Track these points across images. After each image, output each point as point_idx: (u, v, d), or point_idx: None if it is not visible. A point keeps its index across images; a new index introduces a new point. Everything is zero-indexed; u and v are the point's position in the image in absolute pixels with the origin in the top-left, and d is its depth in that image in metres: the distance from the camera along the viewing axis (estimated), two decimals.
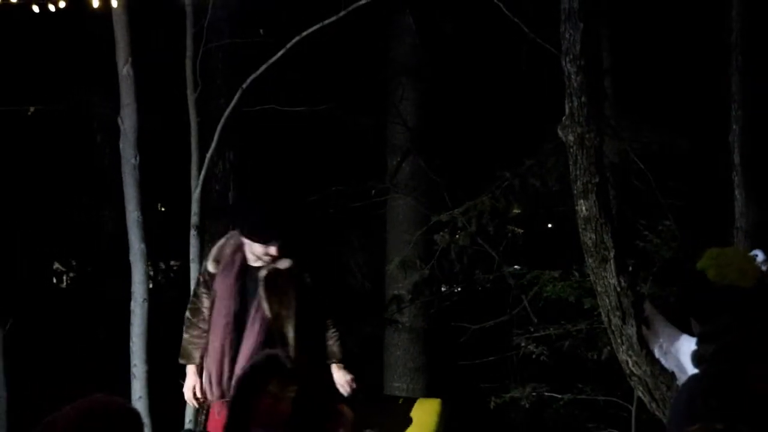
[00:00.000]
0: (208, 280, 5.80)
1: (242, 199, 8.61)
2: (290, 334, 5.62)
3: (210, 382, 5.73)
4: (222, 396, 5.68)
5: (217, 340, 5.69)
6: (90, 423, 2.81)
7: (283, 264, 5.65)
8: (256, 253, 5.61)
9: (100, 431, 2.79)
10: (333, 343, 5.79)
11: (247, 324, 5.66)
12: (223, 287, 5.71)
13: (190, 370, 5.87)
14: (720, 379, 3.26)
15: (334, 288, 10.49)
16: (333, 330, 5.80)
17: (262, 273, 5.65)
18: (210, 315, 5.75)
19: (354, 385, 5.76)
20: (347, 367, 5.78)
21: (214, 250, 5.85)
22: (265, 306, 5.62)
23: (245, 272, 5.70)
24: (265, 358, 3.15)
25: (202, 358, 5.82)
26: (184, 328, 5.90)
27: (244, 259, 5.71)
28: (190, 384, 5.84)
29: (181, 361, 5.91)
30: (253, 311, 5.66)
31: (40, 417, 2.90)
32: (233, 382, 5.51)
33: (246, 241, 5.63)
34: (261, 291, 5.63)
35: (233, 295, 5.67)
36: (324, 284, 5.90)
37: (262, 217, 5.69)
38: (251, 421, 2.98)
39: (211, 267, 5.79)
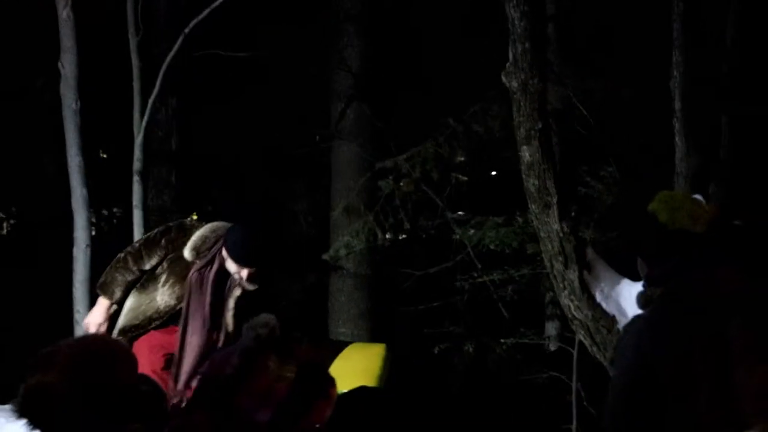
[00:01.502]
0: (176, 260, 5.72)
1: (238, 213, 8.58)
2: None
3: (182, 376, 5.65)
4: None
5: (195, 335, 5.62)
6: (91, 359, 2.81)
7: (252, 286, 5.62)
8: (229, 267, 5.59)
9: (93, 366, 2.79)
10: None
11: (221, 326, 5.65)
12: (200, 282, 5.63)
13: (103, 303, 5.75)
14: (665, 321, 3.31)
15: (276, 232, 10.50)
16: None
17: (237, 292, 5.61)
18: (187, 307, 5.68)
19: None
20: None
21: (195, 238, 5.67)
22: (230, 323, 5.61)
23: (223, 276, 5.65)
24: (267, 332, 3.14)
25: (121, 299, 5.76)
26: (117, 266, 5.73)
27: (224, 263, 5.66)
28: (99, 319, 5.72)
29: (99, 292, 5.78)
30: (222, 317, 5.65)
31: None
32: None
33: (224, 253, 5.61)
34: (230, 305, 5.62)
35: (210, 292, 5.61)
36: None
37: (245, 241, 5.63)
38: (244, 390, 2.97)
39: (188, 255, 5.66)
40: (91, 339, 2.99)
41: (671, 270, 3.41)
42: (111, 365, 2.86)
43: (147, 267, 5.77)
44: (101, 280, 5.79)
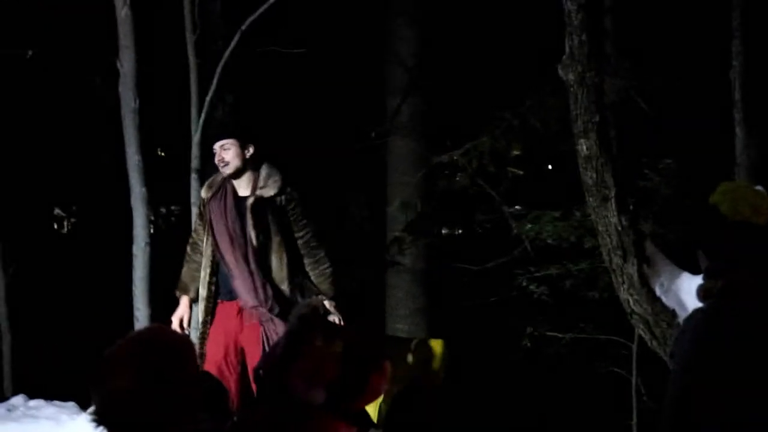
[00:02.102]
0: (202, 210, 5.88)
1: None
2: (273, 265, 5.66)
3: (249, 293, 5.74)
4: (257, 302, 5.71)
5: (227, 254, 5.72)
6: (157, 354, 2.82)
7: (268, 192, 5.69)
8: (216, 160, 5.69)
9: (162, 360, 2.80)
10: (324, 281, 5.78)
11: (246, 253, 5.70)
12: (217, 210, 5.77)
13: (184, 301, 5.91)
14: (726, 314, 3.27)
15: (331, 227, 10.52)
16: (326, 266, 5.80)
17: (249, 201, 5.70)
18: (215, 239, 5.78)
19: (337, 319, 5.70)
20: (338, 307, 5.76)
21: (208, 180, 5.95)
22: (252, 234, 5.67)
23: (237, 201, 5.75)
24: (311, 311, 3.14)
25: (196, 291, 5.88)
26: (184, 261, 5.97)
27: (235, 188, 5.76)
28: (180, 313, 5.88)
29: (177, 293, 5.96)
30: (246, 238, 5.71)
31: (45, 360, 2.92)
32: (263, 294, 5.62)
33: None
34: (248, 218, 5.67)
35: (228, 214, 5.72)
36: (313, 218, 5.89)
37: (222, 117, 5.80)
38: (293, 380, 2.97)
39: (204, 192, 5.90)
40: (150, 334, 2.97)
41: (732, 262, 3.36)
42: (176, 357, 2.86)
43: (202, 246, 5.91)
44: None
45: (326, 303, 5.69)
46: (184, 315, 5.91)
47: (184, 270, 5.98)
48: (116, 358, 2.80)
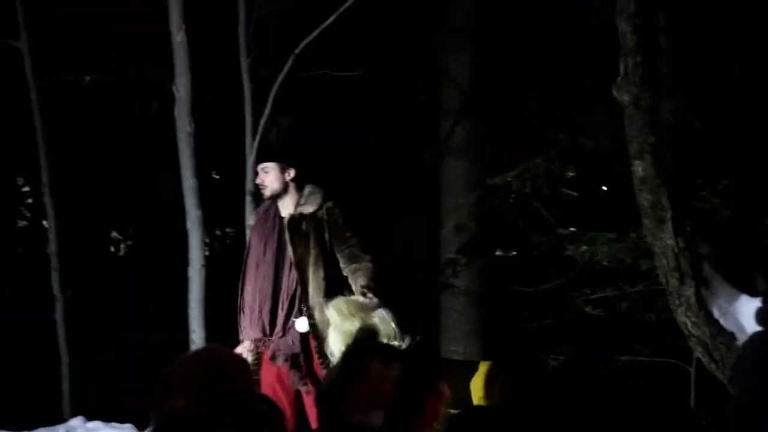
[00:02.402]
0: (250, 235, 5.98)
1: None
2: (310, 280, 5.68)
3: (245, 323, 5.83)
4: (261, 333, 5.76)
5: (249, 283, 5.80)
6: (211, 372, 2.83)
7: (308, 208, 5.73)
8: (257, 182, 5.76)
9: (219, 380, 2.82)
10: (362, 275, 5.71)
11: (283, 269, 5.75)
12: (256, 235, 5.86)
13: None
14: None
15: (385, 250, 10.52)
16: (366, 263, 5.75)
17: (287, 217, 5.74)
18: (244, 263, 5.86)
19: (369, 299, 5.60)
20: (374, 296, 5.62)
21: (258, 208, 6.06)
22: (290, 249, 5.71)
23: (279, 221, 5.81)
24: (366, 336, 3.15)
25: None
26: None
27: (279, 210, 5.82)
28: (244, 346, 5.94)
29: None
30: (285, 256, 5.76)
31: (102, 382, 2.94)
32: (267, 323, 5.66)
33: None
34: (286, 235, 5.72)
35: (264, 240, 5.78)
36: (357, 233, 5.90)
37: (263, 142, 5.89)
38: (350, 404, 2.98)
39: (251, 220, 5.98)
40: (207, 354, 2.99)
41: None
42: (232, 377, 2.88)
43: None
44: None
45: (361, 297, 5.65)
46: (248, 348, 5.94)
47: None
48: (174, 378, 2.82)
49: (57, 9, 9.48)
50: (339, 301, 5.45)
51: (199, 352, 2.97)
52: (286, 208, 5.80)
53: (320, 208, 5.76)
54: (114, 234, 15.07)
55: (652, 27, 5.08)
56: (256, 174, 6.79)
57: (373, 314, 5.47)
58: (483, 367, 6.26)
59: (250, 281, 5.85)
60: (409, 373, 2.97)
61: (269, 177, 5.75)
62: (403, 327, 5.63)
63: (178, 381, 2.81)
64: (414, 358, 3.09)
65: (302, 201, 5.78)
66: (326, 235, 5.74)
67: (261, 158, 5.90)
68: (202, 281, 7.24)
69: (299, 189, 5.79)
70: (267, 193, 5.78)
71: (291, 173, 5.77)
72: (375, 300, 5.53)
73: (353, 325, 5.30)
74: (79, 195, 11.15)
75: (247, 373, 2.96)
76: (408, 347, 3.67)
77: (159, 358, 3.27)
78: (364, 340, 3.10)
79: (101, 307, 10.84)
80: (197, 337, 7.18)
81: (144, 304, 11.29)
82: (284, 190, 5.77)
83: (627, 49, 4.81)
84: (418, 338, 5.39)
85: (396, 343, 5.25)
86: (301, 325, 5.70)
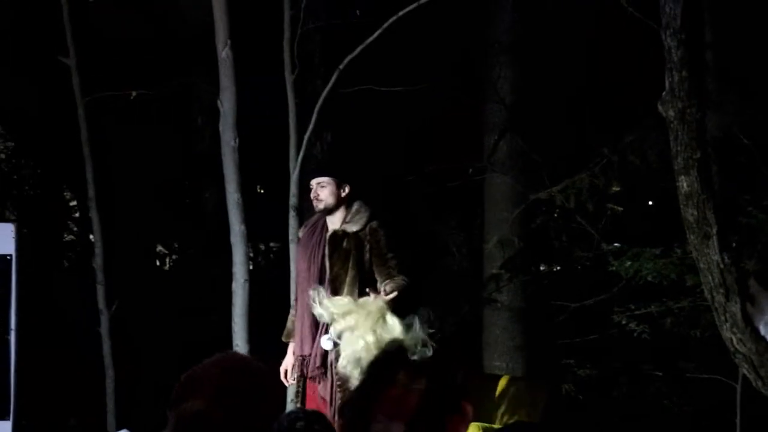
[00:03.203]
0: (297, 248, 6.00)
1: None
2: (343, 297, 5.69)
3: (297, 345, 5.85)
4: (305, 349, 5.77)
5: (299, 298, 5.83)
6: (235, 379, 2.84)
7: (352, 227, 5.73)
8: (312, 196, 5.76)
9: (238, 386, 2.82)
10: (390, 282, 5.70)
11: (324, 285, 5.75)
12: (302, 250, 5.86)
13: (289, 348, 6.00)
14: None
15: (429, 265, 10.52)
16: (399, 277, 5.74)
17: (329, 233, 5.75)
18: (296, 277, 5.90)
19: (384, 294, 5.59)
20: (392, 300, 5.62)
21: (307, 221, 6.11)
22: (327, 264, 5.72)
23: (324, 236, 5.82)
24: (395, 348, 3.16)
25: None
26: (291, 307, 6.09)
27: (326, 224, 5.83)
28: (285, 362, 5.97)
29: (283, 339, 6.06)
30: (325, 272, 5.77)
31: (146, 396, 2.95)
32: (309, 338, 5.68)
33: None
34: (326, 249, 5.72)
35: (309, 257, 5.78)
36: (400, 254, 5.88)
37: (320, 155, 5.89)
38: (377, 407, 2.98)
39: (300, 233, 5.98)
40: (229, 359, 2.98)
41: None
42: (253, 384, 2.88)
43: None
44: None
45: (382, 294, 5.63)
46: (289, 365, 5.97)
47: (290, 315, 6.07)
48: (194, 379, 2.83)
49: (104, 25, 9.58)
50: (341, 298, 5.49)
51: (221, 357, 2.96)
52: (333, 223, 5.81)
53: (364, 227, 5.76)
54: (159, 248, 15.18)
55: (699, 41, 5.05)
56: (303, 189, 6.86)
57: (400, 321, 5.47)
58: (527, 383, 6.24)
59: (299, 296, 5.88)
60: (434, 389, 2.97)
61: (325, 191, 5.77)
62: (435, 335, 5.63)
63: (197, 382, 2.81)
64: (441, 374, 3.09)
65: (348, 218, 5.79)
66: (366, 256, 5.74)
67: (318, 172, 5.90)
68: (246, 295, 7.26)
69: (349, 206, 5.81)
70: (320, 206, 5.79)
71: (346, 189, 5.80)
72: (383, 297, 5.52)
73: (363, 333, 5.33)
74: (125, 209, 11.25)
75: (269, 382, 2.96)
76: (440, 362, 3.66)
77: None
78: (393, 352, 3.11)
79: (147, 321, 10.92)
80: (240, 351, 7.20)
81: (188, 318, 11.35)
82: (337, 206, 5.79)
83: (673, 63, 4.79)
84: (450, 349, 5.40)
85: (420, 349, 5.25)
86: (326, 343, 5.71)
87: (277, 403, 3.00)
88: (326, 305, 5.46)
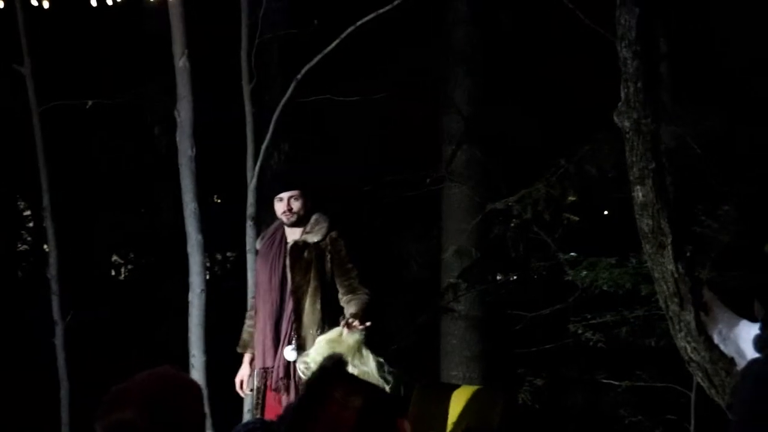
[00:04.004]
0: (257, 260, 5.98)
1: None
2: (305, 309, 5.68)
3: (257, 349, 5.85)
4: (266, 362, 5.78)
5: (260, 312, 5.82)
6: (164, 391, 2.84)
7: (313, 238, 5.73)
8: (278, 214, 5.75)
9: (173, 399, 2.82)
10: (354, 303, 5.70)
11: (286, 296, 5.76)
12: (262, 262, 5.85)
13: (245, 359, 5.99)
14: None
15: (386, 275, 10.53)
16: (362, 294, 5.74)
17: (290, 244, 5.75)
18: (256, 289, 5.89)
19: (358, 324, 5.52)
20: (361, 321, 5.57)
21: (263, 233, 6.03)
22: (288, 276, 5.72)
23: (284, 247, 5.82)
24: (333, 363, 3.15)
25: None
26: (246, 317, 6.09)
27: (285, 235, 5.83)
28: (241, 374, 5.96)
29: (238, 350, 6.04)
30: (287, 283, 5.77)
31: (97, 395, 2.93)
32: (272, 349, 5.68)
33: (274, 204, 5.77)
34: (287, 260, 5.73)
35: (270, 269, 5.77)
36: (359, 264, 5.88)
37: (279, 168, 5.87)
38: (315, 425, 2.98)
39: (258, 244, 5.98)
40: (159, 372, 3.00)
41: None
42: (181, 398, 2.89)
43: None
44: None
45: (353, 322, 5.61)
46: (244, 376, 5.96)
47: (244, 326, 6.05)
48: (123, 391, 2.83)
49: (60, 34, 9.52)
50: (320, 341, 5.45)
51: (152, 371, 2.97)
52: (293, 234, 5.81)
53: (324, 238, 5.76)
54: (115, 258, 15.09)
55: (653, 53, 5.11)
56: (260, 199, 6.85)
57: (372, 354, 5.47)
58: (483, 392, 6.25)
59: (260, 308, 5.86)
60: (370, 406, 2.97)
61: (298, 204, 5.76)
62: (393, 361, 5.63)
63: (125, 394, 2.82)
64: (377, 391, 3.09)
65: (308, 229, 5.79)
66: (328, 266, 5.74)
67: (290, 185, 5.85)
68: (203, 305, 7.24)
69: (308, 216, 5.82)
70: (294, 219, 5.77)
71: (311, 200, 5.81)
72: (359, 328, 5.49)
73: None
74: (80, 219, 11.17)
75: (197, 395, 2.98)
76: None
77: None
78: (330, 368, 3.11)
79: (101, 331, 10.85)
80: (197, 362, 7.18)
81: (144, 328, 11.29)
82: (305, 216, 5.79)
83: (628, 75, 4.83)
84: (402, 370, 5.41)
85: (376, 377, 5.26)
86: (289, 353, 5.71)
87: (202, 415, 3.00)
88: (313, 359, 5.41)
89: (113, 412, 2.81)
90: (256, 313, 5.93)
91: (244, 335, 6.06)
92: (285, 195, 5.78)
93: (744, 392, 3.30)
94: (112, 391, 2.86)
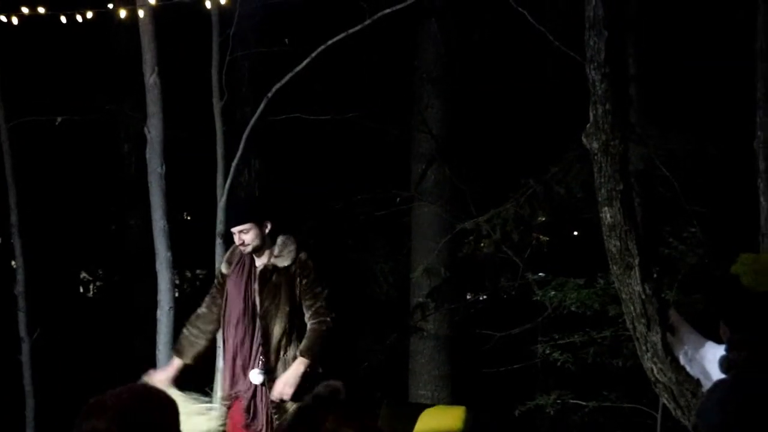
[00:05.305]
0: (221, 281, 5.93)
1: None
2: (274, 332, 5.68)
3: (226, 382, 5.84)
4: (234, 386, 5.79)
5: (229, 339, 5.81)
6: (139, 405, 2.85)
7: (282, 262, 5.73)
8: (236, 243, 5.75)
9: (148, 414, 2.83)
10: (308, 336, 5.72)
11: (255, 321, 5.75)
12: (234, 288, 5.83)
13: (175, 362, 5.95)
14: (751, 386, 3.25)
15: (356, 294, 10.52)
16: (318, 323, 5.73)
17: (259, 268, 5.75)
18: (223, 315, 5.86)
19: (283, 397, 5.65)
20: (310, 370, 5.67)
21: (227, 253, 6.00)
22: (257, 300, 5.72)
23: (254, 271, 5.82)
24: (328, 392, 3.14)
25: (193, 358, 5.91)
26: (187, 323, 6.03)
27: (254, 258, 5.82)
28: (163, 375, 5.91)
29: (173, 353, 6.02)
30: (256, 307, 5.77)
31: (68, 425, 2.94)
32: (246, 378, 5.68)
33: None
34: (255, 285, 5.72)
35: (242, 296, 5.77)
36: (328, 286, 5.88)
37: (233, 202, 5.87)
38: None
39: (223, 268, 5.96)
40: (137, 387, 3.02)
41: (755, 334, 3.35)
42: (156, 412, 2.90)
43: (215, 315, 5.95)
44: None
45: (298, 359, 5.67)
46: (168, 374, 5.93)
47: (185, 333, 6.01)
48: (99, 404, 2.85)
49: (29, 50, 9.49)
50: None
51: (131, 385, 2.99)
52: (261, 259, 5.80)
53: (294, 261, 5.76)
54: (83, 275, 15.01)
55: (622, 75, 5.13)
56: (226, 228, 6.85)
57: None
58: (451, 412, 6.25)
59: (229, 335, 5.84)
60: None
61: (249, 236, 5.74)
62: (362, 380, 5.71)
63: (102, 407, 2.83)
64: (370, 421, 3.09)
65: (276, 252, 5.78)
66: (297, 291, 5.74)
67: (237, 220, 5.84)
68: (171, 323, 7.22)
69: (274, 240, 5.81)
70: (248, 250, 5.77)
71: (268, 226, 5.78)
72: (286, 401, 5.60)
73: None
74: (48, 236, 11.11)
75: (173, 412, 2.98)
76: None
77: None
78: (323, 396, 3.10)
79: (69, 348, 10.78)
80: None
81: (113, 346, 11.22)
82: (263, 244, 5.78)
83: (597, 96, 4.84)
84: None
85: None
86: (255, 377, 5.71)
87: (174, 424, 3.01)
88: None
89: (87, 421, 2.82)
90: (225, 341, 5.90)
91: (184, 342, 6.00)
92: (234, 231, 5.80)
93: (711, 415, 3.30)
94: (90, 402, 2.87)
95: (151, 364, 7.24)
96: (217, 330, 5.96)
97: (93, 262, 14.63)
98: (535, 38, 7.20)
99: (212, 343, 6.10)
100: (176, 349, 6.06)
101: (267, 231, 5.76)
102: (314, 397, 3.12)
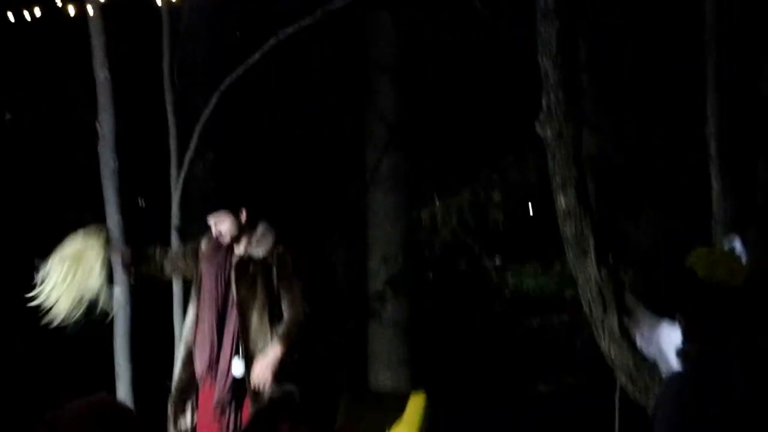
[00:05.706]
0: (198, 249, 5.95)
1: None
2: (252, 323, 5.70)
3: (201, 362, 5.84)
4: (207, 371, 5.80)
5: (205, 321, 5.82)
6: (96, 416, 2.83)
7: (258, 253, 5.74)
8: (214, 234, 5.77)
9: (105, 426, 2.81)
10: (284, 323, 5.75)
11: (231, 308, 5.76)
12: (206, 265, 5.84)
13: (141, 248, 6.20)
14: (706, 381, 3.30)
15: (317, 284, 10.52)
16: (292, 317, 5.77)
17: (236, 258, 5.76)
18: (198, 291, 5.88)
19: (263, 381, 5.51)
20: (287, 356, 5.62)
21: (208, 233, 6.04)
22: (234, 290, 5.73)
23: (230, 257, 5.83)
24: (280, 397, 3.16)
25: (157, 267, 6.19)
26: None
27: (233, 247, 5.83)
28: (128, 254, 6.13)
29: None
30: (232, 294, 5.79)
31: (26, 420, 2.93)
32: (220, 366, 5.69)
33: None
34: (232, 274, 5.74)
35: (215, 274, 5.79)
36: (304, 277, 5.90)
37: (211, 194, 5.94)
38: None
39: (203, 244, 5.94)
40: (96, 400, 2.99)
41: (710, 325, 3.40)
42: (116, 425, 2.88)
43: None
44: None
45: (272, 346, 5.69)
46: (127, 255, 6.26)
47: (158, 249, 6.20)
48: (56, 417, 2.83)
49: None
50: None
51: (87, 398, 2.97)
52: (240, 247, 5.81)
53: (270, 253, 5.77)
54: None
55: (573, 64, 5.17)
56: (186, 208, 6.85)
57: None
58: (410, 398, 6.29)
59: (204, 314, 5.85)
60: None
61: (225, 225, 5.77)
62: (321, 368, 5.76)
63: (60, 420, 2.81)
64: (324, 422, 3.12)
65: (253, 242, 5.80)
66: (275, 281, 5.75)
67: (210, 209, 5.85)
68: (127, 316, 7.18)
69: (252, 227, 5.82)
70: (227, 239, 5.79)
71: (243, 214, 5.80)
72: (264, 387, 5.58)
73: None
74: (1, 232, 11.02)
75: (133, 426, 2.97)
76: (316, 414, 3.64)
77: (84, 393, 3.26)
78: (279, 401, 3.12)
79: (23, 341, 10.70)
80: (122, 371, 7.12)
81: (69, 341, 11.15)
82: (241, 232, 5.80)
83: (549, 85, 4.89)
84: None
85: None
86: (237, 368, 5.70)
87: None
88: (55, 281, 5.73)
89: None
90: (198, 318, 5.90)
91: (159, 250, 6.27)
92: (210, 221, 5.82)
93: (668, 410, 3.33)
94: (46, 417, 2.85)
95: (110, 360, 7.21)
96: (171, 272, 6.29)
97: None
98: (489, 26, 7.24)
99: (165, 273, 6.40)
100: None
101: (243, 219, 5.78)
102: (269, 402, 3.13)
